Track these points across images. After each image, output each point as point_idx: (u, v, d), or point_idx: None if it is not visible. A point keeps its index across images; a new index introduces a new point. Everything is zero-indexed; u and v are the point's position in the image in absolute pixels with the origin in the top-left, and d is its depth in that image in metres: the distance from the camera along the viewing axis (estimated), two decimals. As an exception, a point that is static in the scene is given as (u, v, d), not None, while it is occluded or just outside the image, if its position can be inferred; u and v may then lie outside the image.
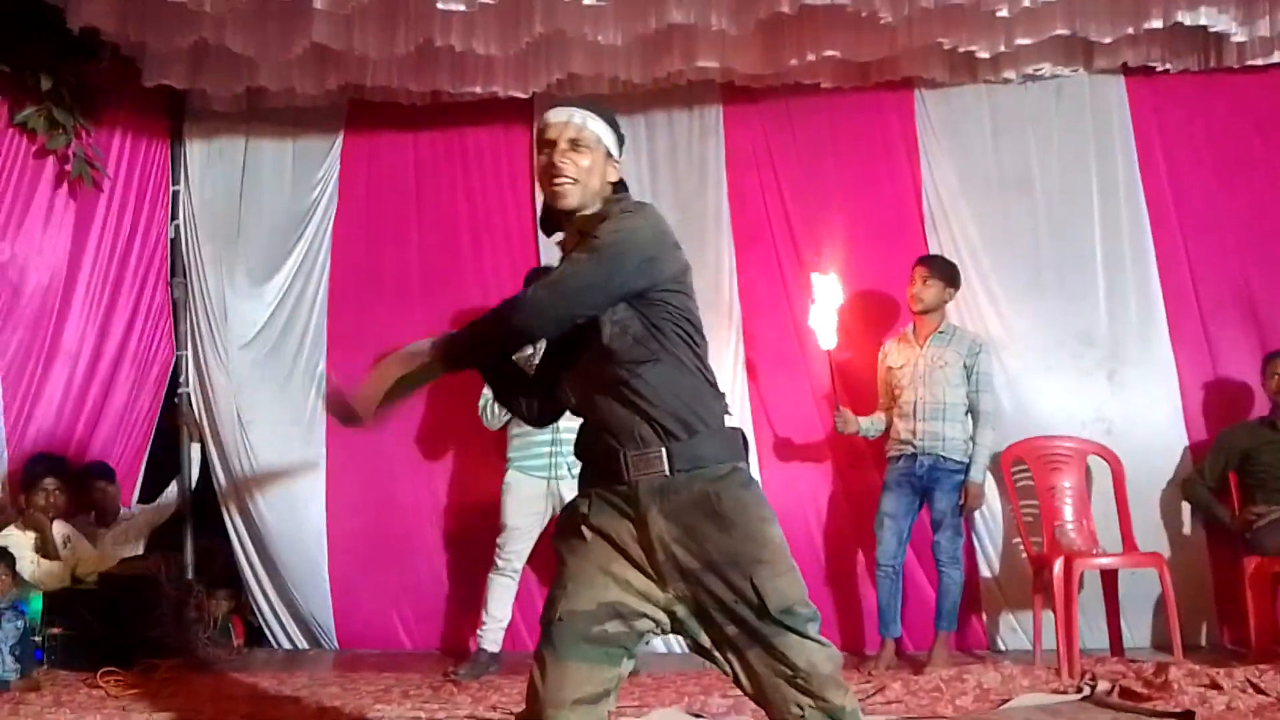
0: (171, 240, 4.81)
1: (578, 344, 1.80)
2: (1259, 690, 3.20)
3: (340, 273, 4.71)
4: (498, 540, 3.92)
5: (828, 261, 4.07)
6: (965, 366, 3.95)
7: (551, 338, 1.87)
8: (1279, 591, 3.91)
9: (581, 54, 4.20)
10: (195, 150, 4.83)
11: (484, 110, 4.63)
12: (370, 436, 4.52)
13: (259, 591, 4.60)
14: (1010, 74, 4.50)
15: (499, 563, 3.91)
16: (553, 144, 1.83)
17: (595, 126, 1.84)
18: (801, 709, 1.69)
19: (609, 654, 1.73)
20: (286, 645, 4.58)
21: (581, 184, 1.81)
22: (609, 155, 1.86)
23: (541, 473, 3.90)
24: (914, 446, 3.92)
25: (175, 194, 4.82)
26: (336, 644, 4.53)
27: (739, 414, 4.41)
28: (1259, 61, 4.35)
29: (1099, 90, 4.54)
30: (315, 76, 4.34)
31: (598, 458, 1.80)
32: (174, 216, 4.81)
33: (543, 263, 4.59)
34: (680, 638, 1.82)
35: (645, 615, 1.74)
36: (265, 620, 4.62)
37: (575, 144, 1.82)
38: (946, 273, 4.06)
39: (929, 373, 3.96)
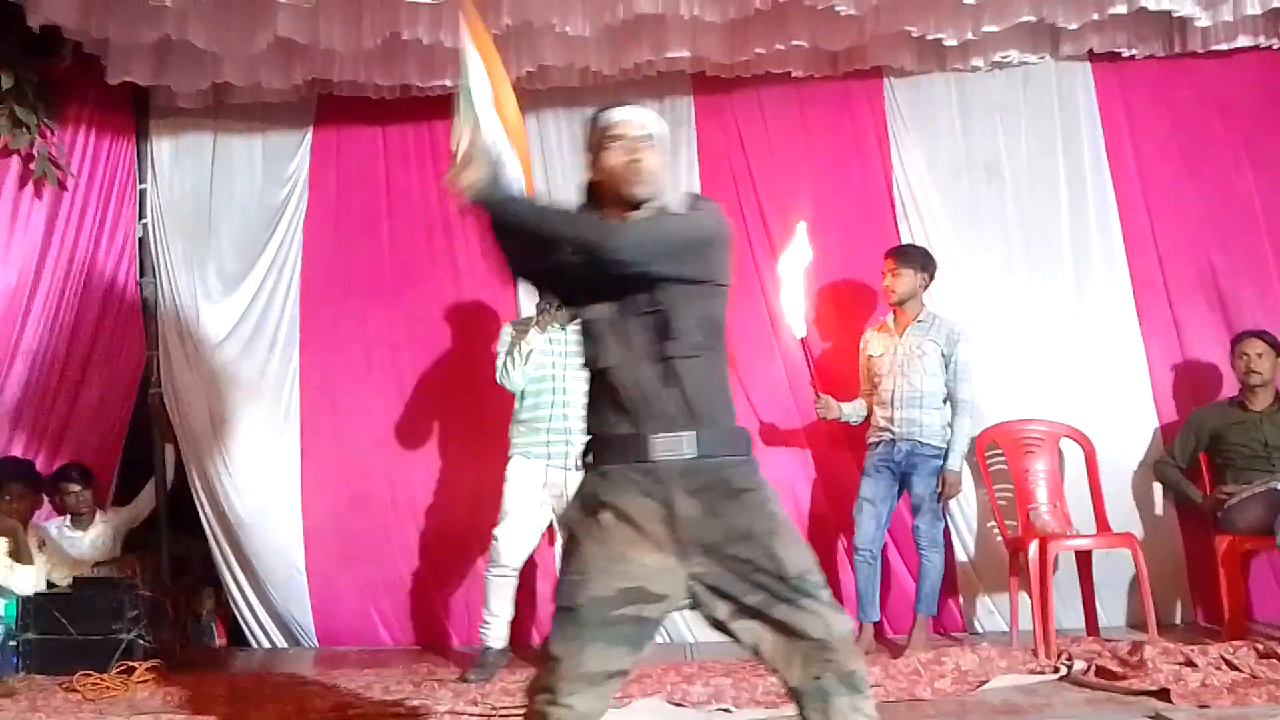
0: (140, 239, 4.75)
1: (639, 308, 1.85)
2: (1232, 667, 3.25)
3: (312, 269, 4.67)
4: (494, 531, 3.73)
5: (797, 250, 4.07)
6: (944, 355, 3.97)
7: (619, 279, 1.84)
8: (1250, 569, 3.98)
9: (551, 45, 4.18)
10: (162, 147, 4.77)
11: (453, 103, 4.59)
12: (346, 431, 4.52)
13: (237, 591, 4.56)
14: (978, 61, 4.52)
15: (496, 557, 3.72)
16: (621, 138, 1.93)
17: (657, 129, 1.97)
18: (819, 675, 1.76)
19: (628, 637, 1.80)
20: (266, 644, 4.55)
21: (653, 178, 1.92)
22: (664, 155, 1.98)
23: (545, 460, 3.72)
24: (892, 433, 3.95)
25: (143, 192, 4.76)
26: (316, 642, 4.50)
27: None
28: (1223, 46, 4.40)
29: (1065, 76, 4.58)
30: (281, 70, 4.30)
31: (621, 437, 1.85)
32: (141, 215, 4.75)
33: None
34: (683, 622, 1.87)
35: (666, 596, 1.81)
36: (245, 619, 4.58)
37: (648, 140, 1.93)
38: (917, 260, 4.07)
39: (907, 361, 3.98)
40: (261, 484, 4.50)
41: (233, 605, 4.58)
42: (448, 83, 4.35)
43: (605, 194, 1.95)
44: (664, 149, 1.97)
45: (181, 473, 4.63)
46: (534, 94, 4.62)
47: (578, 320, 1.96)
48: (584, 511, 1.85)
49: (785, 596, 1.77)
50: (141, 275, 4.74)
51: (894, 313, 4.09)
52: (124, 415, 4.67)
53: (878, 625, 3.98)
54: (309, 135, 4.74)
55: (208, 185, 4.75)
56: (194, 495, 4.57)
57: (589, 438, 1.92)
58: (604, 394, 1.88)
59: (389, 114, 4.69)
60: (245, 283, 4.63)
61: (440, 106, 4.61)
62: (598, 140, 1.96)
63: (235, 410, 4.56)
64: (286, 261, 4.67)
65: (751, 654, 1.82)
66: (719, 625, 1.84)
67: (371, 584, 4.46)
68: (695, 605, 1.84)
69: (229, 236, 4.70)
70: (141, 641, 3.88)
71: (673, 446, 1.80)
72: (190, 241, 4.70)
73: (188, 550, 4.73)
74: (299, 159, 4.73)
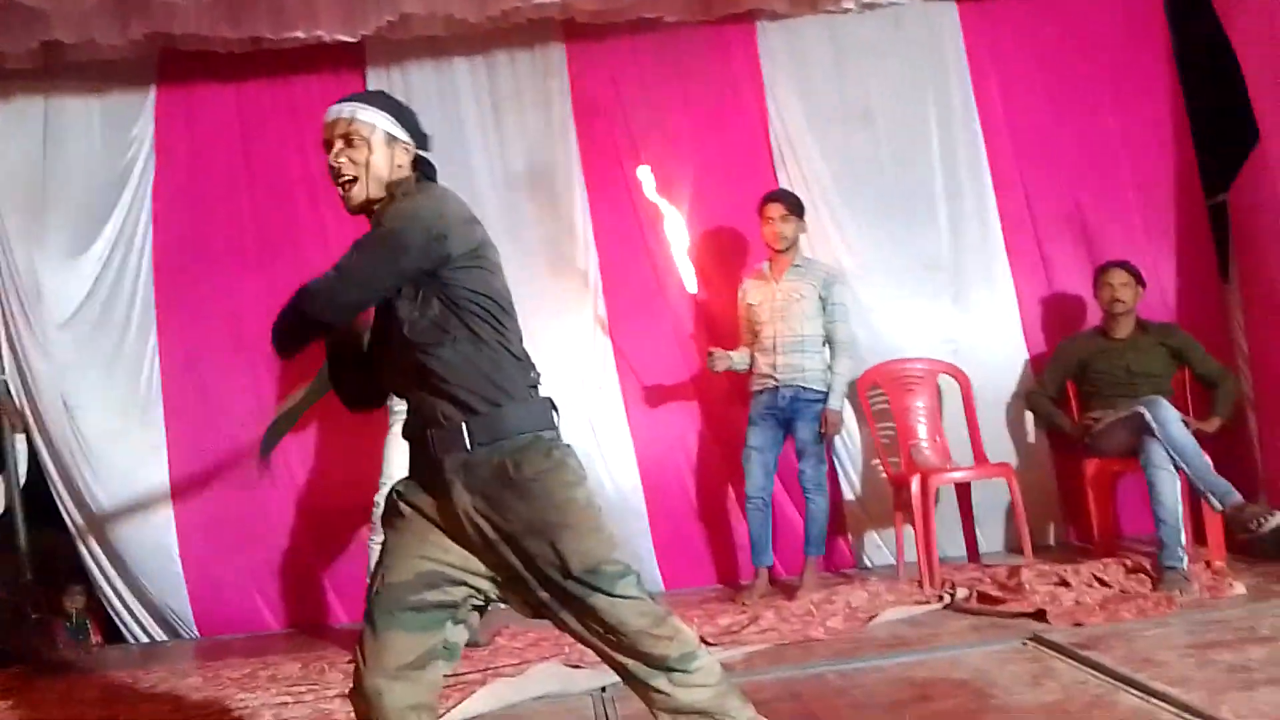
0: (-31, 214, 4.36)
1: (384, 328, 1.79)
2: (1103, 584, 3.42)
3: (165, 239, 4.38)
4: (375, 498, 3.56)
5: (678, 201, 4.01)
6: (820, 298, 3.99)
7: (345, 323, 1.81)
8: (1118, 490, 4.18)
9: (411, -8, 3.97)
10: (-11, 113, 4.37)
11: (312, 57, 4.35)
12: (214, 409, 4.29)
13: (108, 586, 4.30)
14: (849, 3, 4.51)
15: (378, 523, 3.44)
16: (329, 145, 1.81)
17: (366, 116, 1.81)
18: (624, 665, 1.74)
19: (428, 620, 1.73)
20: (144, 639, 4.32)
21: (362, 180, 1.79)
22: (392, 139, 1.81)
23: None
24: (775, 380, 3.96)
25: (-32, 162, 4.37)
26: (197, 632, 4.30)
27: (601, 361, 4.38)
28: (1088, -17, 4.51)
29: (934, 18, 4.62)
30: (116, 25, 3.97)
31: (413, 438, 1.81)
32: (-31, 188, 4.36)
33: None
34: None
35: (465, 583, 1.77)
36: (119, 615, 4.34)
37: (349, 139, 1.80)
38: (799, 206, 4.08)
39: (785, 306, 3.99)
40: (125, 471, 4.25)
41: (105, 601, 4.33)
42: (301, 34, 4.10)
43: None
44: (380, 134, 1.79)
45: (36, 464, 4.32)
46: (397, 44, 4.42)
47: None
48: (389, 506, 1.83)
49: (574, 594, 1.70)
50: (-29, 252, 4.35)
51: (770, 260, 4.09)
52: (-34, 406, 4.32)
53: (771, 569, 4.02)
54: (152, 94, 4.43)
55: (40, 152, 4.38)
56: (51, 488, 4.27)
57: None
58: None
59: (241, 70, 4.41)
60: (89, 256, 4.32)
61: (298, 60, 4.38)
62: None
63: (91, 394, 4.28)
64: (136, 231, 4.36)
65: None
66: (530, 614, 1.80)
67: (252, 568, 4.27)
68: (502, 598, 1.81)
69: (68, 207, 4.36)
70: (3, 645, 3.62)
71: (449, 441, 1.73)
72: (25, 214, 4.34)
73: (52, 546, 4.43)
74: (143, 120, 4.41)
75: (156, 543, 4.23)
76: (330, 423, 4.30)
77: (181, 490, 4.25)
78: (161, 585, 4.25)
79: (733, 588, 4.21)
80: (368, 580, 3.47)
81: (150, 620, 4.32)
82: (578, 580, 1.69)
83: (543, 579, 1.71)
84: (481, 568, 1.76)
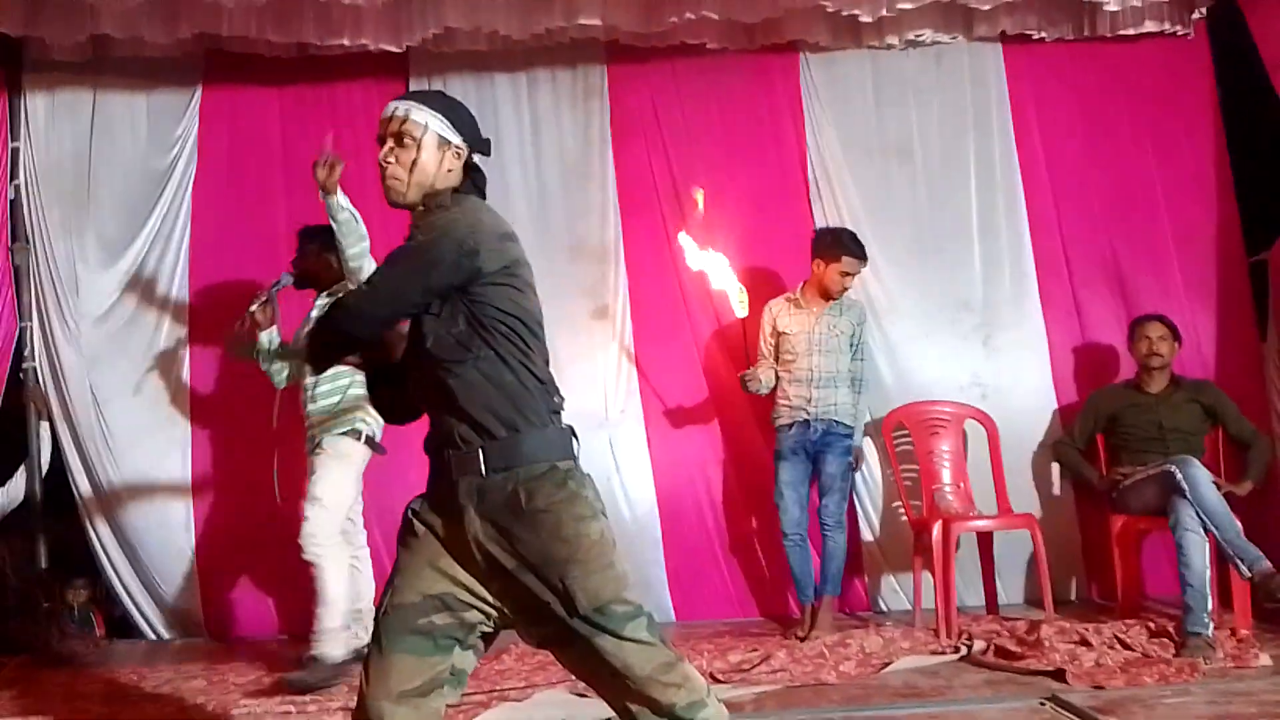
0: (11, 201, 4.40)
1: (414, 344, 1.78)
2: (1125, 646, 3.34)
3: (202, 238, 4.40)
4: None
5: (713, 230, 3.97)
6: (852, 335, 3.98)
7: (376, 337, 1.80)
8: (1143, 548, 4.10)
9: (457, 6, 4.01)
10: (37, 104, 4.41)
11: (355, 64, 4.38)
12: (239, 412, 4.30)
13: (119, 580, 4.29)
14: (893, 39, 4.50)
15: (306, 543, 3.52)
16: (382, 141, 1.80)
17: (419, 116, 1.78)
18: (628, 708, 1.70)
19: (436, 645, 1.71)
20: (151, 635, 4.31)
21: (405, 180, 1.78)
22: (444, 142, 1.79)
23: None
24: (807, 413, 3.89)
25: (15, 151, 4.40)
26: (206, 633, 4.29)
27: (625, 383, 4.37)
28: (1130, 31, 4.46)
29: (977, 58, 4.60)
30: (165, 24, 4.02)
31: (432, 454, 1.80)
32: (13, 176, 4.39)
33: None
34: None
35: (475, 608, 1.74)
36: (128, 610, 4.34)
37: (399, 138, 1.78)
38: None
39: (825, 341, 3.94)
40: (148, 467, 4.25)
41: (114, 595, 4.33)
42: (346, 42, 4.13)
43: None
44: (433, 137, 1.77)
45: (59, 453, 4.33)
46: (440, 57, 4.44)
47: None
48: (403, 524, 1.81)
49: (579, 632, 1.66)
50: (13, 241, 4.39)
51: (805, 289, 4.02)
52: (-8, 391, 4.34)
53: (817, 602, 3.87)
54: (198, 95, 4.46)
55: (87, 145, 4.43)
56: (70, 478, 4.28)
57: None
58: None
59: (285, 74, 4.44)
60: (129, 251, 4.34)
61: (341, 67, 4.40)
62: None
63: (119, 388, 4.30)
64: (174, 229, 4.39)
65: None
66: (537, 645, 1.80)
67: (265, 571, 4.24)
68: (508, 624, 1.78)
69: (110, 201, 4.40)
70: (11, 634, 3.63)
71: (465, 464, 1.70)
72: (68, 205, 4.38)
73: (64, 536, 4.43)
74: (187, 120, 4.44)
75: (173, 539, 4.23)
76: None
77: (201, 488, 4.27)
78: (174, 582, 4.25)
79: (780, 620, 4.15)
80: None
81: (160, 617, 4.31)
82: (584, 619, 1.66)
83: (548, 614, 1.68)
84: (486, 595, 1.74)
